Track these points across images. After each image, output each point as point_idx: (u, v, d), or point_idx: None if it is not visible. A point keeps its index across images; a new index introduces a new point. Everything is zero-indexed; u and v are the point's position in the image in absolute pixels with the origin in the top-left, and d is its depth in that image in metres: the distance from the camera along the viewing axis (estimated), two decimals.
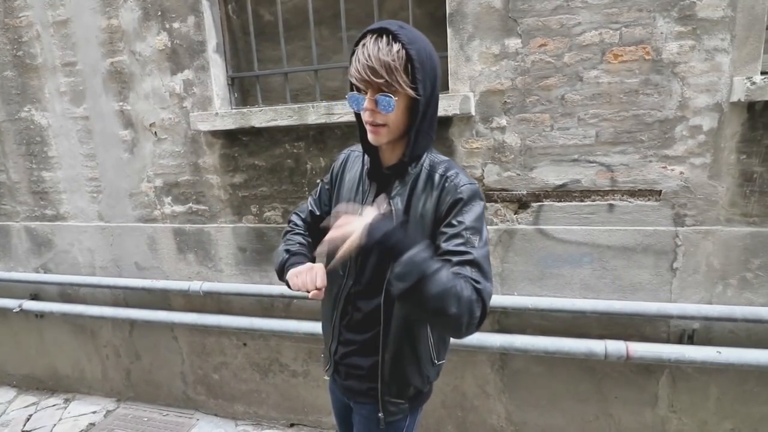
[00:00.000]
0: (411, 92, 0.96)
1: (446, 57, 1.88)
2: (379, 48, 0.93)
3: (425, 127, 1.03)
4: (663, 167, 1.74)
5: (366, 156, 1.14)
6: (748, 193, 1.69)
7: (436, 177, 1.04)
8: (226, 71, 2.28)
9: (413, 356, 1.13)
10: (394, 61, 0.93)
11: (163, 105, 2.32)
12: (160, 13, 2.22)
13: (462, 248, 0.98)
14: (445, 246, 0.99)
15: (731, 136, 1.67)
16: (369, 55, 0.93)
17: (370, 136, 1.03)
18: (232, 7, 2.29)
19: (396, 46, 0.93)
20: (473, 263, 0.96)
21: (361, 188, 1.14)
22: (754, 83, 1.56)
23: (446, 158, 1.10)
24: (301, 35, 2.28)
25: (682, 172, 1.73)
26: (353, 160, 1.21)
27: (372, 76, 0.93)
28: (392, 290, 0.92)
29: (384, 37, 0.94)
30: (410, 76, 0.95)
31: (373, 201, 1.10)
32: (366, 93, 0.98)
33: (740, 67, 1.60)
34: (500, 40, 1.80)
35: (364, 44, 0.95)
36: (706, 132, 1.68)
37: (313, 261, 1.19)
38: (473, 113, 1.88)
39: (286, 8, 2.23)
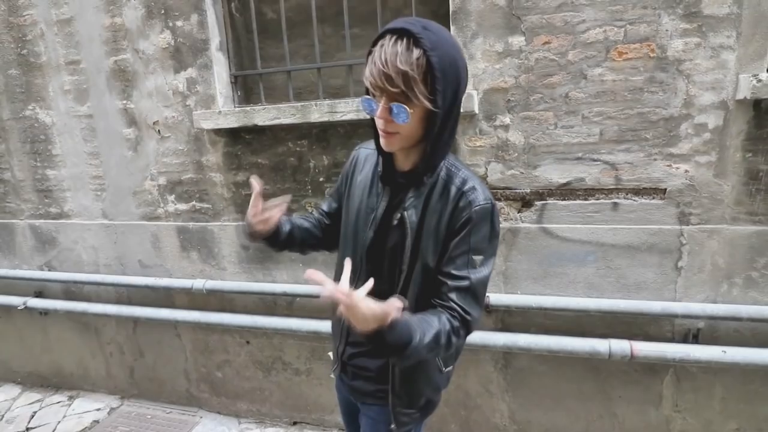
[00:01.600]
0: (429, 105, 0.88)
1: None
2: (397, 53, 0.84)
3: (444, 137, 0.97)
4: (668, 165, 1.73)
5: (380, 157, 1.08)
6: (754, 192, 1.68)
7: (453, 190, 0.99)
8: (229, 69, 2.28)
9: (421, 368, 1.12)
10: (412, 70, 0.84)
11: (167, 103, 2.32)
12: (163, 12, 2.22)
13: (461, 272, 0.98)
14: (447, 266, 0.99)
15: (737, 134, 1.65)
16: (386, 61, 0.84)
17: (382, 142, 0.98)
18: (235, 5, 2.29)
19: (416, 53, 0.84)
20: (468, 290, 0.98)
21: (374, 191, 1.10)
22: (760, 81, 1.54)
23: (463, 166, 1.04)
24: (304, 33, 2.28)
25: (687, 171, 1.72)
26: (363, 159, 1.17)
27: (387, 85, 0.86)
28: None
29: (404, 39, 0.85)
30: (429, 87, 0.87)
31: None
32: (380, 99, 0.91)
33: (746, 64, 1.59)
34: (504, 37, 1.79)
35: (382, 45, 0.87)
36: (711, 130, 1.67)
37: (290, 231, 1.22)
38: (477, 111, 1.87)
39: (289, 6, 2.23)
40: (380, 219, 1.08)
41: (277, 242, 1.21)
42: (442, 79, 0.87)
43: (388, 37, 0.87)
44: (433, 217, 1.00)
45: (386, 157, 1.06)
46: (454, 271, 0.98)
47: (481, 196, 0.98)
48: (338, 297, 0.80)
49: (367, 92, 0.96)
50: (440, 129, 0.94)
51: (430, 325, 0.94)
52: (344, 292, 0.81)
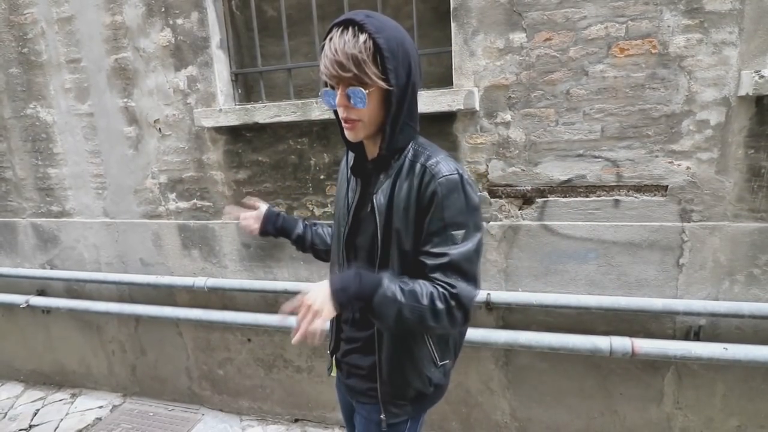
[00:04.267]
0: (382, 84, 0.92)
1: (450, 52, 1.87)
2: (345, 41, 0.89)
3: (403, 118, 0.99)
4: (669, 162, 1.73)
5: (349, 151, 1.12)
6: (756, 189, 1.68)
7: (418, 167, 0.99)
8: (230, 67, 2.28)
9: (410, 357, 1.10)
10: (361, 52, 0.89)
11: (167, 101, 2.32)
12: (163, 9, 2.22)
13: (439, 249, 0.96)
14: (425, 245, 0.98)
15: (739, 130, 1.65)
16: (335, 50, 0.90)
17: (346, 133, 1.01)
18: (235, 3, 2.29)
19: (362, 37, 0.89)
20: (449, 266, 0.95)
21: (350, 186, 1.13)
22: (762, 77, 1.54)
23: (431, 145, 1.05)
24: (305, 31, 2.27)
25: (688, 167, 1.71)
26: (345, 162, 1.20)
27: (340, 71, 0.90)
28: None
29: (350, 28, 0.90)
30: (380, 67, 0.91)
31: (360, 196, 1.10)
32: (338, 89, 0.95)
33: (748, 60, 1.59)
34: (505, 34, 1.79)
35: (330, 38, 0.92)
36: (713, 126, 1.66)
37: (304, 231, 1.36)
38: (477, 108, 1.87)
39: (289, 4, 2.22)
40: (354, 211, 1.10)
41: (290, 238, 1.36)
42: (392, 58, 0.91)
43: (334, 30, 0.92)
44: (401, 197, 1.00)
45: (357, 150, 1.09)
46: (432, 249, 0.96)
47: (445, 168, 0.97)
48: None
49: (326, 86, 1.00)
50: (397, 108, 0.97)
51: (407, 283, 0.95)
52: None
